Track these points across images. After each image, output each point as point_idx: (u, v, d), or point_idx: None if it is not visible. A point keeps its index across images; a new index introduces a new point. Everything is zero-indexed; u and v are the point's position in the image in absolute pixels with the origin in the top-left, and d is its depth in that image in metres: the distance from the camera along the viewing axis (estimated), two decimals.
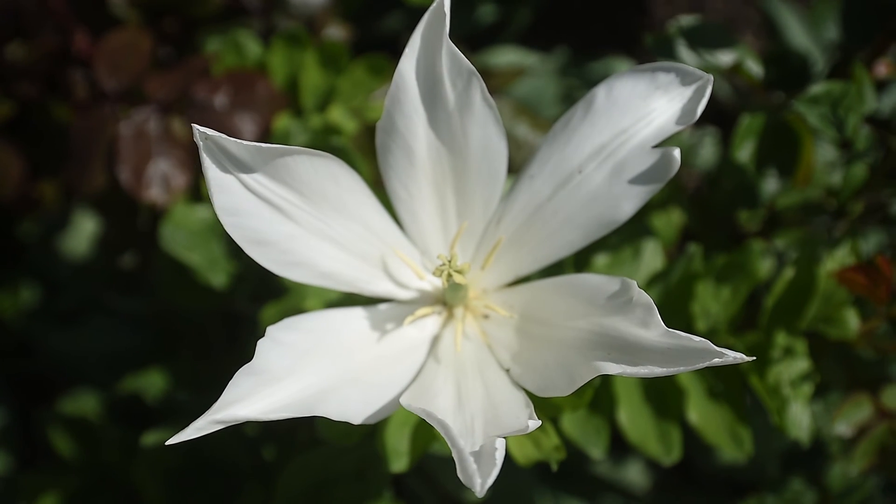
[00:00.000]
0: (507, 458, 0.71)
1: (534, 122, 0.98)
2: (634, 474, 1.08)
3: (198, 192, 0.95)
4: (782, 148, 0.87)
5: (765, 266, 0.80)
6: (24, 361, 1.17)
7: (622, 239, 0.82)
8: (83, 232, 1.16)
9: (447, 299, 0.69)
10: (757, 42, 1.28)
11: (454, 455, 0.54)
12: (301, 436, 0.90)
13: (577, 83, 1.09)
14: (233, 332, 1.08)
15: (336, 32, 1.08)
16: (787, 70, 0.90)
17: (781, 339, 0.78)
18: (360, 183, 0.65)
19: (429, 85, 0.63)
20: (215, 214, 0.62)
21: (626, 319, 0.58)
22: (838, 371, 0.85)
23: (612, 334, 0.59)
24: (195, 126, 0.57)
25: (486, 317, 0.69)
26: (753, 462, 1.01)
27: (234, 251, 0.89)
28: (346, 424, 0.61)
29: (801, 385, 0.78)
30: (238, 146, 0.58)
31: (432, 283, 0.70)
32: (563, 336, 0.62)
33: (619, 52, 1.22)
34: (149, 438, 0.91)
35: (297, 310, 0.77)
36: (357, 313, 0.68)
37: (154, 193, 0.92)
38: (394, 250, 0.68)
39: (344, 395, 0.61)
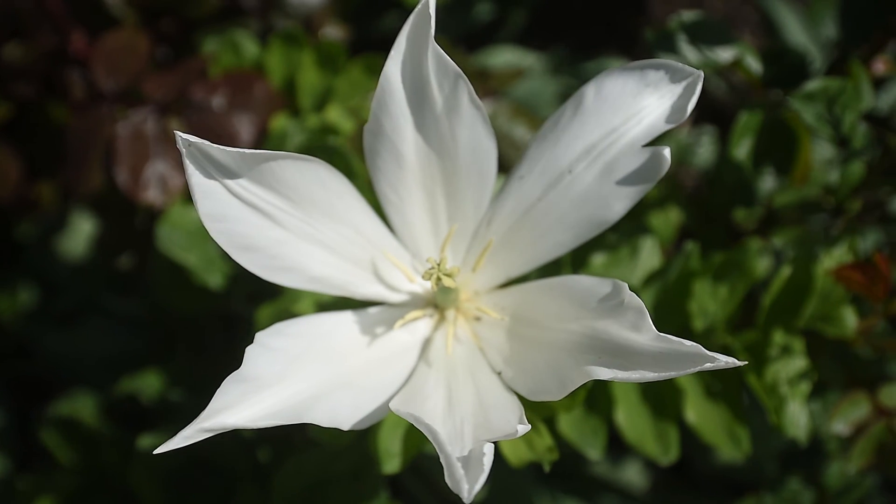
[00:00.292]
0: (504, 458, 0.71)
1: (532, 122, 0.98)
2: (633, 474, 1.08)
3: None
4: (780, 146, 0.86)
5: (762, 264, 0.80)
6: (21, 363, 1.17)
7: (620, 238, 0.82)
8: (80, 233, 1.16)
9: (438, 302, 0.69)
10: (755, 40, 1.27)
11: (442, 460, 0.53)
12: (297, 437, 0.89)
13: (574, 83, 1.09)
14: (229, 333, 1.07)
15: (333, 32, 1.08)
16: (785, 67, 0.89)
17: (779, 337, 0.78)
18: (348, 186, 0.64)
19: (415, 87, 0.62)
20: None
21: (618, 323, 0.58)
22: (836, 369, 0.85)
23: (603, 337, 0.58)
24: (178, 133, 0.57)
25: (477, 319, 0.69)
26: (751, 462, 1.01)
27: None
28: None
29: (798, 384, 0.77)
30: (222, 152, 0.58)
31: (423, 285, 0.69)
32: (555, 338, 0.62)
33: (618, 52, 1.22)
34: (145, 441, 0.91)
35: (291, 311, 0.77)
36: (347, 317, 0.67)
37: (151, 194, 0.92)
38: (384, 253, 0.68)
39: (334, 401, 0.61)
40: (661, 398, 0.80)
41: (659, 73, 0.61)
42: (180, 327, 1.10)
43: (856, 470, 0.80)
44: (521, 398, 0.62)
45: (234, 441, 0.92)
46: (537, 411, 0.68)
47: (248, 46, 0.99)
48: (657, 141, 0.62)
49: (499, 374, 0.65)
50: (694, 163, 1.01)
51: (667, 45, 0.85)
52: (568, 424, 0.79)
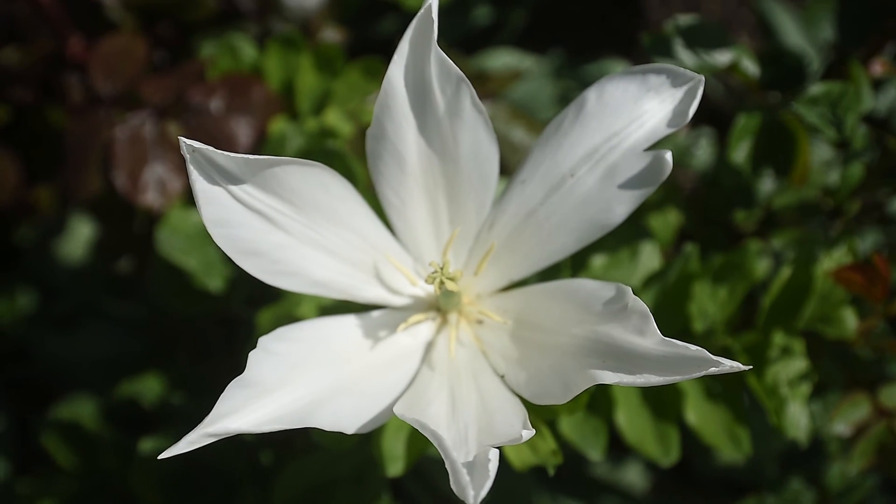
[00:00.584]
0: (506, 459, 0.71)
1: (530, 125, 0.98)
2: (633, 476, 1.08)
3: (194, 196, 0.95)
4: (778, 148, 0.86)
5: (762, 266, 0.80)
6: (20, 367, 1.17)
7: (619, 240, 0.82)
8: (79, 237, 1.16)
9: (441, 305, 0.69)
10: (752, 43, 1.28)
11: (447, 466, 0.53)
12: (298, 440, 0.89)
13: (573, 85, 1.09)
14: (229, 336, 1.07)
15: (331, 35, 1.08)
16: (783, 70, 0.90)
17: (779, 338, 0.78)
18: (351, 190, 0.65)
19: (418, 91, 0.62)
20: None
21: (622, 327, 0.58)
22: (836, 370, 0.85)
23: (607, 341, 0.58)
24: (182, 139, 0.57)
25: (480, 322, 0.69)
26: (752, 463, 1.01)
27: None
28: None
29: (798, 385, 0.78)
30: (226, 158, 0.58)
31: (425, 289, 0.70)
32: (558, 342, 0.62)
33: (615, 53, 1.22)
34: (145, 445, 0.91)
35: (292, 314, 0.77)
36: (350, 321, 0.67)
37: (150, 198, 0.92)
38: (386, 257, 0.68)
39: (337, 406, 0.61)
40: (661, 400, 0.80)
41: (660, 77, 0.61)
42: (180, 331, 1.10)
43: (857, 471, 0.80)
44: (524, 401, 0.62)
45: (234, 444, 0.92)
46: (540, 414, 0.68)
47: (246, 50, 0.99)
48: (658, 145, 0.62)
49: (502, 377, 0.65)
50: (692, 165, 1.02)
51: (663, 49, 0.85)
52: (569, 426, 0.79)
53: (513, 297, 0.69)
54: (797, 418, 0.77)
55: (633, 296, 0.58)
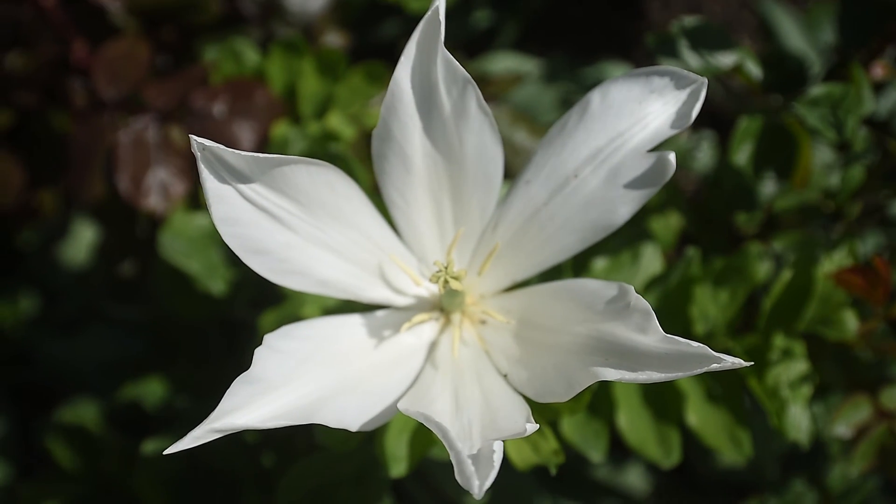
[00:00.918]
0: (507, 462, 0.71)
1: (532, 128, 0.98)
2: (634, 478, 1.08)
3: (196, 200, 0.95)
4: (780, 150, 0.87)
5: (763, 269, 0.80)
6: (23, 370, 1.18)
7: (621, 243, 0.82)
8: (82, 241, 1.16)
9: (444, 305, 0.69)
10: (753, 46, 1.28)
11: (452, 457, 0.54)
12: (300, 442, 0.90)
13: (574, 88, 1.09)
14: (232, 339, 1.08)
15: (334, 40, 1.08)
16: (785, 73, 0.90)
17: (780, 341, 0.79)
18: (356, 190, 0.65)
19: (424, 93, 0.63)
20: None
21: (624, 325, 0.58)
22: (837, 373, 0.85)
23: (609, 339, 0.59)
24: (193, 137, 0.57)
25: (483, 322, 0.69)
26: (753, 465, 1.02)
27: (233, 258, 0.89)
28: (345, 431, 0.61)
29: (799, 387, 0.78)
30: (236, 156, 0.58)
31: (429, 289, 0.70)
32: (561, 341, 0.63)
33: (616, 57, 1.22)
34: (148, 447, 0.91)
35: (296, 317, 0.77)
36: (354, 320, 0.68)
37: (153, 201, 0.92)
38: (391, 257, 0.68)
39: (341, 403, 0.62)
40: (662, 402, 0.80)
41: (664, 79, 0.62)
42: (182, 334, 1.10)
43: (858, 472, 0.80)
44: (527, 400, 0.62)
45: (237, 446, 0.92)
46: (542, 414, 0.68)
47: (249, 54, 0.99)
48: (661, 146, 0.62)
49: (505, 376, 0.65)
50: (694, 167, 1.02)
51: (668, 50, 0.85)
52: (570, 427, 0.79)
53: (516, 297, 0.69)
54: (798, 420, 0.77)
55: (636, 294, 0.58)
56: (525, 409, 0.60)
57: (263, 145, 0.94)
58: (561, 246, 0.66)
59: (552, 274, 0.75)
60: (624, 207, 0.63)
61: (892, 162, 0.82)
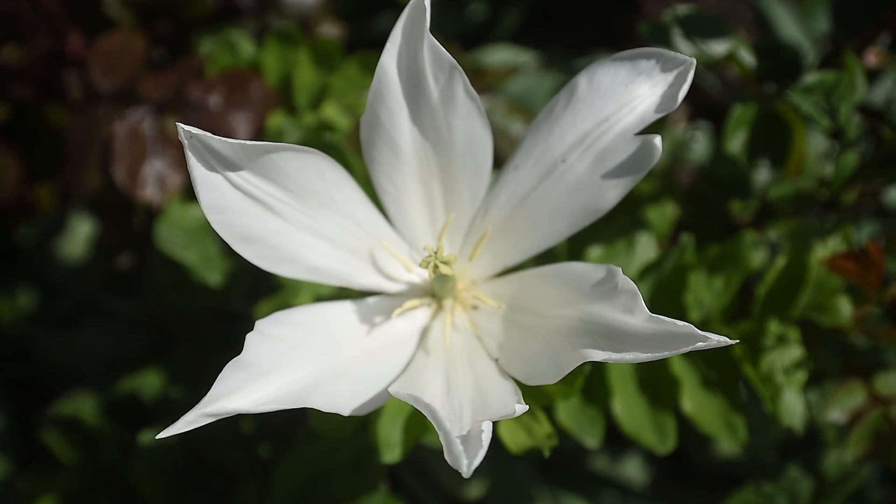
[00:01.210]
0: (505, 454, 0.71)
1: (527, 119, 0.98)
2: (632, 470, 1.08)
3: (193, 191, 0.95)
4: (774, 138, 0.87)
5: (757, 256, 0.80)
6: (21, 365, 1.18)
7: (617, 231, 0.82)
8: (79, 235, 1.16)
9: (436, 291, 0.69)
10: (749, 37, 1.28)
11: (441, 438, 0.54)
12: (296, 431, 0.90)
13: (566, 79, 1.09)
14: (228, 331, 1.08)
15: (329, 31, 1.08)
16: (779, 61, 0.90)
17: (774, 327, 0.79)
18: (347, 178, 0.65)
19: (411, 79, 0.63)
20: None
21: (612, 306, 0.58)
22: (832, 358, 0.85)
23: (597, 321, 0.59)
24: (180, 125, 0.57)
25: (475, 307, 0.69)
26: (750, 455, 1.02)
27: (229, 249, 0.89)
28: (339, 417, 0.62)
29: (794, 373, 0.78)
30: (223, 144, 0.59)
31: (421, 275, 0.70)
32: (551, 324, 0.63)
33: (612, 49, 1.22)
34: (145, 437, 0.91)
35: (290, 306, 0.78)
36: (346, 307, 0.68)
37: (149, 193, 0.93)
38: (382, 243, 0.68)
39: (333, 387, 0.62)
40: (657, 388, 0.80)
41: (650, 61, 0.62)
42: (179, 326, 1.10)
43: (852, 458, 0.80)
44: (519, 385, 0.62)
45: (234, 437, 0.92)
46: (535, 399, 0.68)
47: (245, 46, 1.00)
48: (650, 129, 0.62)
49: (496, 360, 0.65)
50: (689, 158, 1.02)
51: (661, 39, 0.85)
52: (566, 414, 0.79)
53: (507, 281, 0.69)
54: (793, 406, 0.77)
55: (623, 276, 0.58)
56: (515, 393, 0.60)
57: (259, 136, 0.94)
58: (550, 230, 0.66)
59: (546, 260, 0.75)
60: (612, 192, 0.63)
61: (887, 149, 0.82)
